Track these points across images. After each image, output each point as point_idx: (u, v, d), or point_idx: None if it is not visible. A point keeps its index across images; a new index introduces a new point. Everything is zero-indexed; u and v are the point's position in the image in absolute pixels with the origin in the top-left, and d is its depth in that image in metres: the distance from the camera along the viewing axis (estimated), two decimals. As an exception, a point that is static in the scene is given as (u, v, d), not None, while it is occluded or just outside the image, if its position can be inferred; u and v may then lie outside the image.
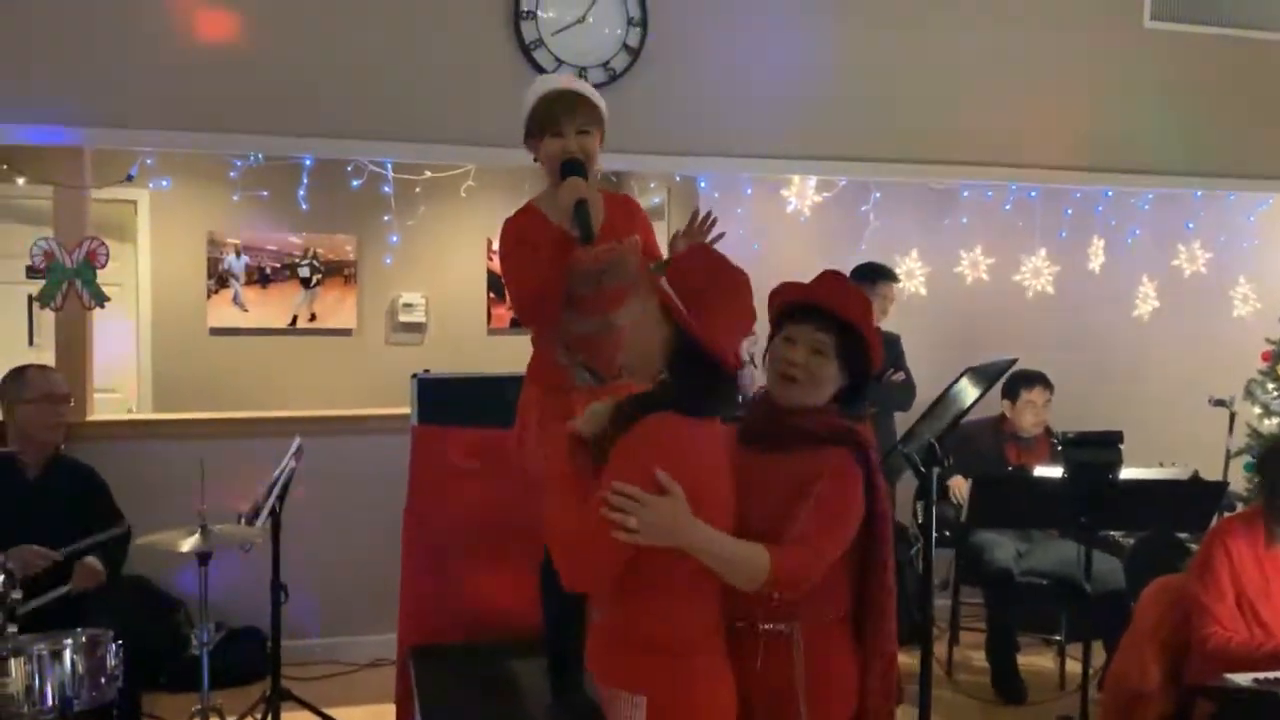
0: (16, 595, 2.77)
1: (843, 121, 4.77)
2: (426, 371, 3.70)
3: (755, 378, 4.57)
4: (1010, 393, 4.77)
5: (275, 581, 3.79)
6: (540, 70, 4.29)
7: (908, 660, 4.81)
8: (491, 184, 5.10)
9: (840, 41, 4.73)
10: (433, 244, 6.43)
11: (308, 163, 4.38)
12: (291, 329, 6.72)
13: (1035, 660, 4.74)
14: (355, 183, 4.55)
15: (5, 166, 4.41)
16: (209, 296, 6.55)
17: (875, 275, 4.62)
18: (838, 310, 2.08)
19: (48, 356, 4.68)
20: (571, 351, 2.57)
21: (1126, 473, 3.87)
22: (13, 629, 2.75)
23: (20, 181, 4.44)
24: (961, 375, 2.82)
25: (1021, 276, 5.50)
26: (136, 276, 6.44)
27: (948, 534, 4.65)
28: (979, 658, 4.70)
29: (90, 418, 4.58)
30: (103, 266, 4.38)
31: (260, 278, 6.64)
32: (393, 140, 4.27)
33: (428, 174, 4.92)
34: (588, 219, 2.37)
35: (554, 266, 2.42)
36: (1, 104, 3.93)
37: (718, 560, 1.91)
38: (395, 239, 4.82)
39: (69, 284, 4.34)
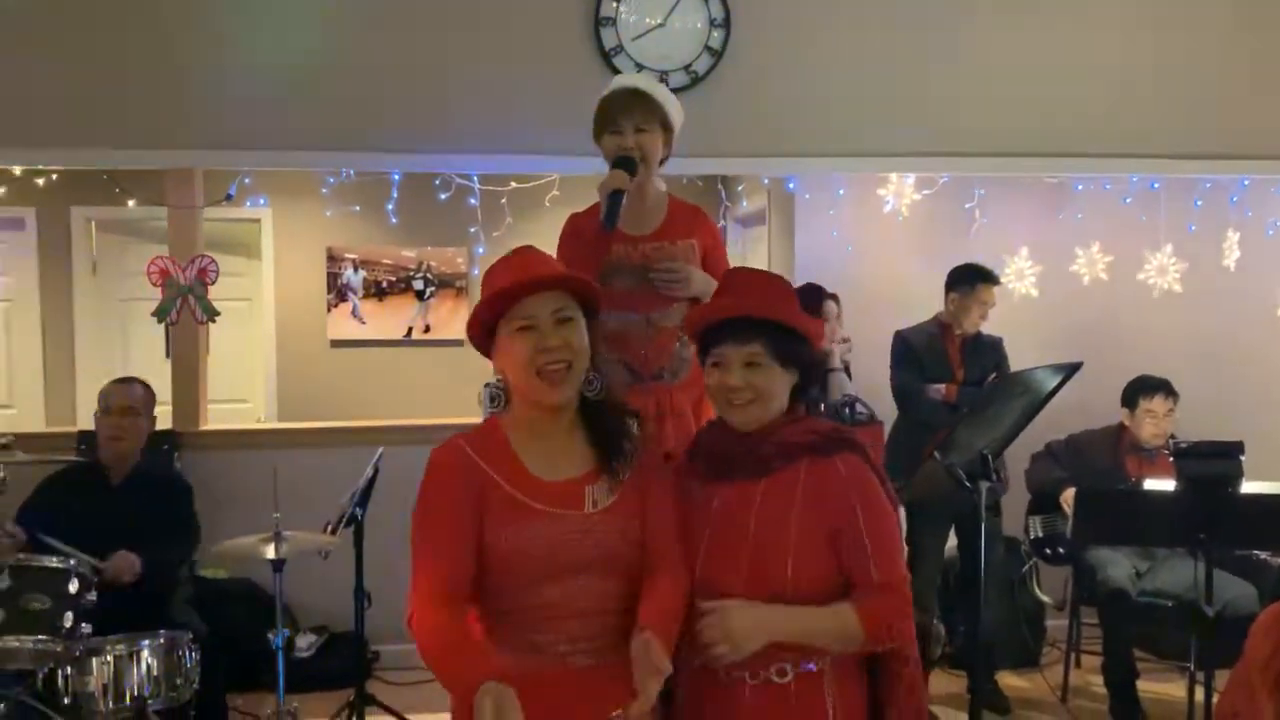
0: (91, 597, 2.90)
1: (943, 115, 4.49)
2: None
3: (845, 384, 4.43)
4: (1129, 401, 4.45)
5: (359, 588, 3.88)
6: (620, 76, 4.25)
7: (1023, 684, 4.60)
8: (576, 193, 5.10)
9: (938, 29, 4.44)
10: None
11: (396, 177, 4.47)
12: (407, 340, 6.91)
13: (1164, 688, 4.41)
14: (443, 195, 4.63)
15: (119, 190, 4.68)
16: (329, 310, 6.81)
17: (973, 277, 4.37)
18: (751, 313, 1.90)
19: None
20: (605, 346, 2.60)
21: (1252, 486, 3.56)
22: (87, 629, 2.88)
23: (131, 204, 4.70)
24: (997, 382, 2.61)
25: (1146, 274, 5.11)
26: (261, 291, 6.76)
27: (1060, 550, 4.37)
28: (1099, 683, 4.40)
29: (204, 427, 4.82)
30: (212, 283, 4.57)
31: (377, 291, 6.86)
32: (476, 153, 4.30)
33: (513, 185, 4.96)
34: (614, 208, 2.44)
35: (587, 254, 2.50)
36: (120, 132, 4.15)
37: (807, 637, 1.83)
38: (482, 250, 4.88)
39: (183, 299, 4.56)
